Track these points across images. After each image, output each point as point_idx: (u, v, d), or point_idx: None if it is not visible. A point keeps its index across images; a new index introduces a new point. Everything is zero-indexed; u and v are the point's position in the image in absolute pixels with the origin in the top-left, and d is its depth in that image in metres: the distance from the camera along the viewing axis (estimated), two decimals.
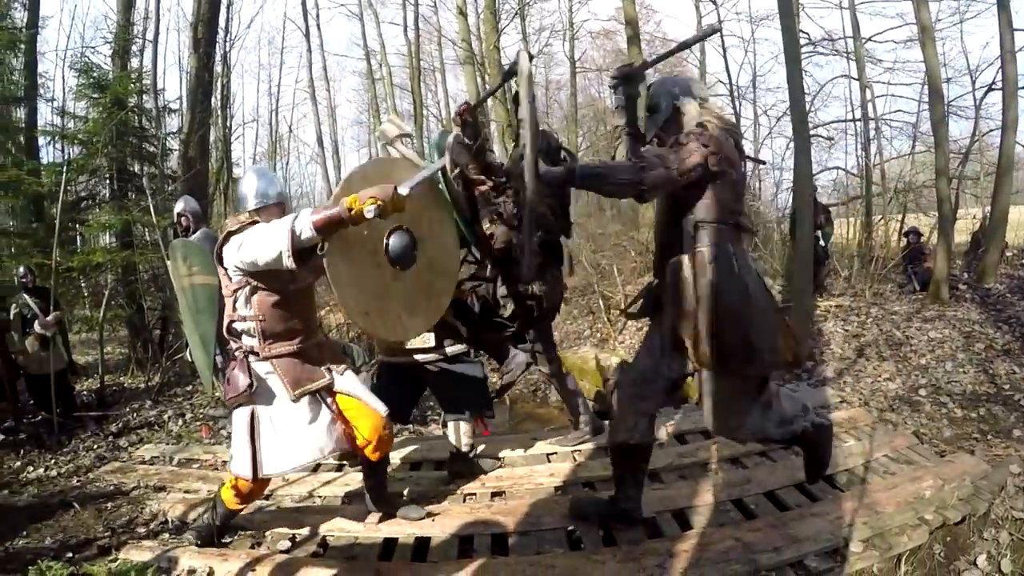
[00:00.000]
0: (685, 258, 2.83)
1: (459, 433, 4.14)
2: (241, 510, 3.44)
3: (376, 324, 2.98)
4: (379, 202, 2.56)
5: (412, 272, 3.01)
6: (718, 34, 16.97)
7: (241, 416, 3.07)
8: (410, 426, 5.74)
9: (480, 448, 4.60)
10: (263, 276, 2.94)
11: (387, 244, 2.90)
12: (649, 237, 11.14)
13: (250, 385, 2.97)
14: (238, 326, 3.05)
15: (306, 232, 2.61)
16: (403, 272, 2.97)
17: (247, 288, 2.98)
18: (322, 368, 3.19)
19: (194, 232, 5.72)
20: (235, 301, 3.03)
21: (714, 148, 2.69)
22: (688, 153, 2.70)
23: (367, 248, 2.85)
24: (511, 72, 3.22)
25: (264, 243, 2.72)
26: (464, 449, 4.17)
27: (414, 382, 4.13)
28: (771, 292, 2.89)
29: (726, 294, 2.75)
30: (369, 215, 2.55)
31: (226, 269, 3.00)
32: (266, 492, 4.02)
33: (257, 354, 3.04)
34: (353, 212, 2.56)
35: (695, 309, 2.81)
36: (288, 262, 2.66)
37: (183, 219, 5.79)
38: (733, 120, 2.99)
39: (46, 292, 6.62)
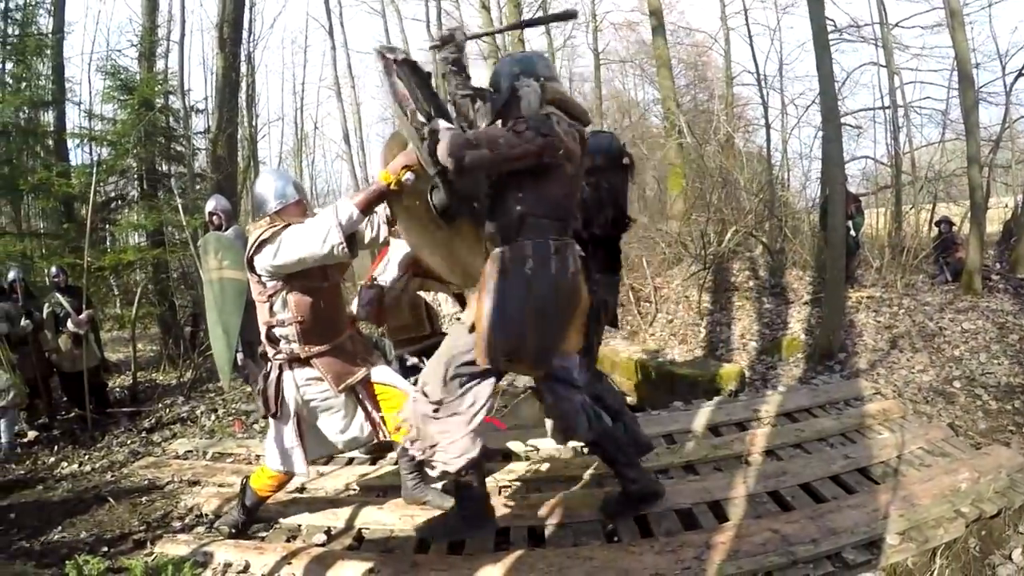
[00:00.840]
0: (506, 249, 2.70)
1: None
2: (269, 497, 3.51)
3: (463, 277, 3.07)
4: (411, 167, 2.69)
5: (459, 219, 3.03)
6: (747, 22, 16.81)
7: (284, 422, 3.19)
8: None
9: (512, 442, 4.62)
10: (297, 277, 2.98)
11: (431, 203, 2.90)
12: (677, 228, 11.07)
13: (274, 413, 3.15)
14: (277, 331, 3.08)
15: (354, 216, 2.74)
16: (451, 222, 2.98)
17: (283, 291, 3.02)
18: (358, 360, 3.23)
19: (226, 230, 5.78)
20: (271, 306, 3.06)
21: (553, 139, 2.55)
22: (522, 141, 2.54)
23: (426, 217, 2.91)
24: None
25: (309, 241, 2.78)
26: None
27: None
28: (578, 296, 2.73)
29: (535, 288, 2.62)
30: (409, 182, 2.69)
31: (259, 276, 3.03)
32: (302, 486, 4.07)
33: (299, 357, 3.09)
34: (391, 184, 2.68)
35: (496, 301, 2.68)
36: (342, 253, 2.75)
37: (215, 217, 5.85)
38: (580, 107, 2.80)
39: (78, 291, 6.71)
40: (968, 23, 11.52)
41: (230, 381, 5.72)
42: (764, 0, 22.08)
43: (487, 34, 3.52)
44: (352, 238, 2.79)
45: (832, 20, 12.90)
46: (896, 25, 14.09)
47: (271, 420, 3.25)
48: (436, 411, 2.78)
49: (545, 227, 2.66)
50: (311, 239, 2.77)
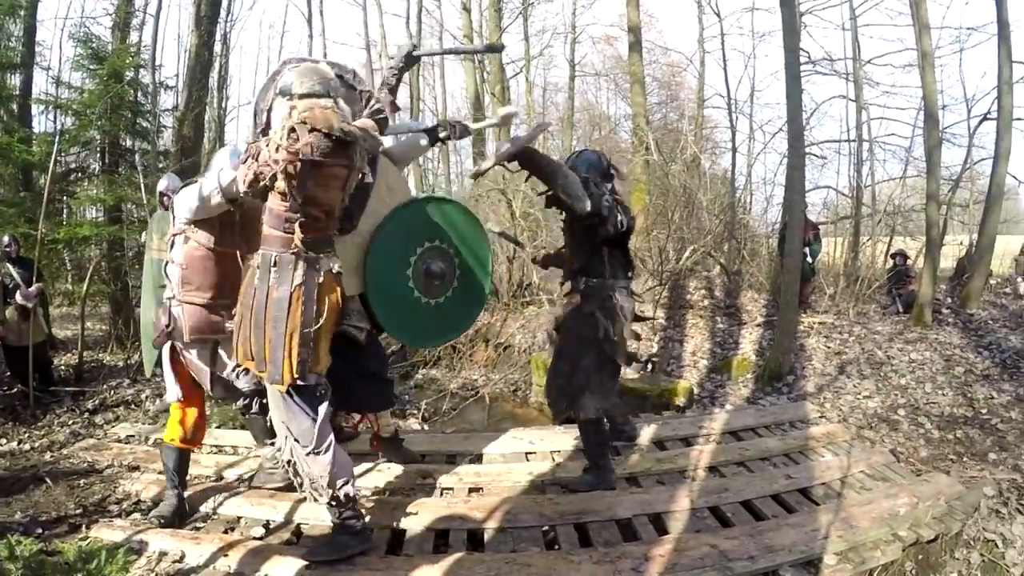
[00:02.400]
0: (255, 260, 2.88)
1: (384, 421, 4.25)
2: (186, 450, 3.56)
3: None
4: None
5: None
6: (723, 47, 17.05)
7: (166, 351, 3.43)
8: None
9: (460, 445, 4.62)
10: (197, 229, 3.30)
11: None
12: (636, 243, 11.15)
13: (167, 326, 3.31)
14: (169, 269, 3.36)
15: (225, 179, 3.08)
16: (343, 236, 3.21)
17: (182, 236, 3.29)
18: (226, 324, 3.33)
19: None
20: (172, 245, 3.34)
21: (260, 164, 2.65)
22: (240, 169, 2.76)
23: None
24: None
25: (199, 188, 3.18)
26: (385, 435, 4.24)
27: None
28: (291, 311, 2.75)
29: (256, 297, 2.77)
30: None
31: (174, 217, 3.36)
32: (241, 477, 4.02)
33: (173, 298, 3.36)
34: None
35: (241, 310, 2.88)
36: (218, 197, 3.11)
37: (165, 198, 5.72)
38: (327, 119, 2.71)
39: (30, 263, 6.56)
40: (938, 65, 11.87)
41: (154, 368, 5.53)
42: (742, 27, 22.51)
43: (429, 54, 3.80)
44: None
45: (807, 52, 13.18)
46: (868, 62, 14.46)
47: (164, 355, 3.44)
48: (311, 452, 2.88)
49: (274, 239, 2.79)
50: (201, 187, 3.16)
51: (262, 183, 2.67)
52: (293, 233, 2.74)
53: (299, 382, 2.79)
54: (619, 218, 3.75)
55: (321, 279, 2.81)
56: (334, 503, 2.93)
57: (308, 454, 2.86)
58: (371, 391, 3.84)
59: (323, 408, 2.88)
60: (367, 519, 3.09)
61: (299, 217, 2.74)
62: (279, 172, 2.61)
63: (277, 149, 2.61)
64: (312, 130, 2.65)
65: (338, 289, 2.91)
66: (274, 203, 2.75)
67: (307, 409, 2.84)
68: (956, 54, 14.43)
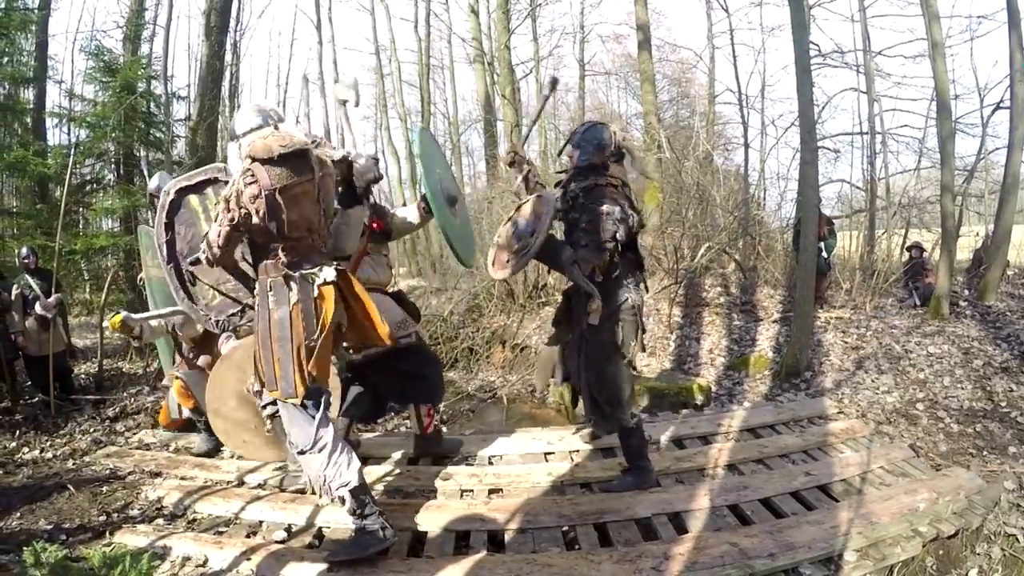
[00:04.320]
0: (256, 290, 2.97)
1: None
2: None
3: None
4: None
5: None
6: (732, 43, 16.98)
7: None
8: (408, 421, 5.73)
9: (479, 446, 4.64)
10: None
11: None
12: (651, 242, 11.12)
13: None
14: None
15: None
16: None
17: None
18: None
19: None
20: None
21: (233, 211, 2.74)
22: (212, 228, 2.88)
23: None
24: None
25: None
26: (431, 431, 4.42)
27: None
28: (311, 321, 2.85)
29: (263, 324, 2.85)
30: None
31: None
32: (264, 482, 4.06)
33: None
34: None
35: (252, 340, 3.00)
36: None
37: (155, 199, 5.70)
38: (267, 146, 2.76)
39: (48, 274, 6.65)
40: (950, 55, 11.78)
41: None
42: (750, 21, 22.42)
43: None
44: None
45: (816, 45, 13.10)
46: (879, 53, 14.34)
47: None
48: (302, 451, 2.94)
49: (266, 268, 2.91)
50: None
51: (241, 228, 2.80)
52: (279, 259, 2.85)
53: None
54: (630, 224, 3.60)
55: (316, 293, 2.88)
56: (341, 503, 2.97)
57: (302, 453, 2.93)
58: (432, 383, 4.13)
59: (322, 414, 2.93)
60: (385, 518, 3.09)
61: (281, 243, 2.84)
62: (252, 211, 2.72)
63: (239, 194, 2.72)
64: (261, 161, 2.73)
65: (332, 298, 2.91)
66: (258, 238, 2.86)
67: (309, 415, 2.91)
68: (967, 43, 14.30)
